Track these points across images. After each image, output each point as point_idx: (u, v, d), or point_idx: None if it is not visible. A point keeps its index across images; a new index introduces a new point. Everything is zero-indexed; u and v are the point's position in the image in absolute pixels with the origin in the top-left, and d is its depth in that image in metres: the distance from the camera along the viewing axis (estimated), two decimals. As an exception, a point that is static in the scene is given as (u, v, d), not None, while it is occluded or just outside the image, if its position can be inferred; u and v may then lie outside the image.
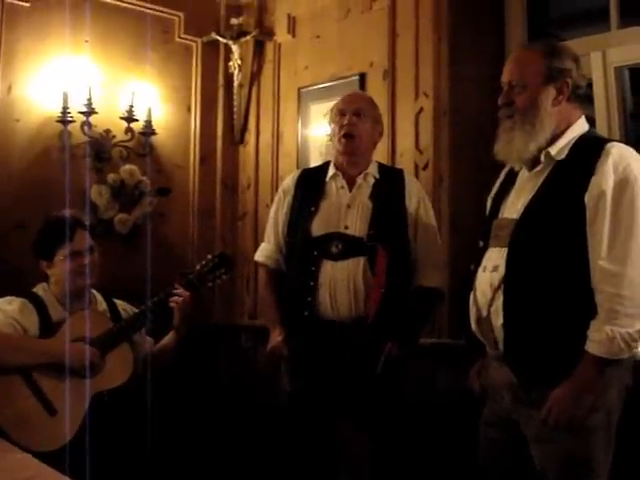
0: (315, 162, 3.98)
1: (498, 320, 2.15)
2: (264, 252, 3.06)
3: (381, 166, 3.01)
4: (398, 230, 2.84)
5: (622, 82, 3.22)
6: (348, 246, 2.78)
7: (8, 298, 2.75)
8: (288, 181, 3.07)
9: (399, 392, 2.83)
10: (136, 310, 2.86)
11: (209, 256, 2.96)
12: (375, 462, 2.84)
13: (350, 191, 2.89)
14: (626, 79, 3.23)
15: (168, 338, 2.96)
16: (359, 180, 2.90)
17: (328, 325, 2.76)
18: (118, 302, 2.96)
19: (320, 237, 2.82)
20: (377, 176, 2.92)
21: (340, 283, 2.75)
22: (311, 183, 2.97)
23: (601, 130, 3.10)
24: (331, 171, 2.94)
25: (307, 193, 2.94)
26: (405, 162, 3.52)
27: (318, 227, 2.84)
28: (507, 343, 2.14)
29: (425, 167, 3.48)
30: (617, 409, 2.11)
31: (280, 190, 3.08)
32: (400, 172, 3.03)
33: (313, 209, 2.87)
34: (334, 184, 2.92)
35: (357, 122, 2.87)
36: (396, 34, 3.67)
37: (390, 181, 2.93)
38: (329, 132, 3.05)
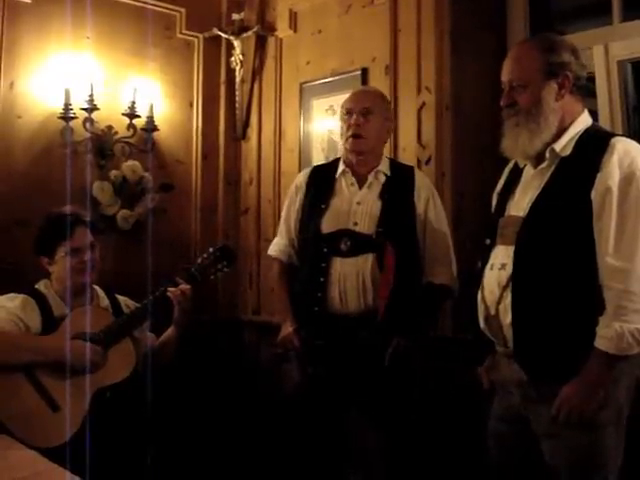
0: (317, 157, 4.00)
1: (507, 318, 2.15)
2: (277, 246, 3.10)
3: (392, 163, 3.03)
4: (406, 228, 2.86)
5: (625, 76, 3.21)
6: (357, 243, 2.80)
7: (10, 295, 2.76)
8: (300, 178, 3.10)
9: (407, 386, 2.84)
10: (138, 305, 2.86)
11: (211, 249, 2.96)
12: (384, 455, 2.85)
13: (360, 188, 2.91)
14: (629, 73, 3.22)
15: (169, 332, 2.97)
16: (370, 178, 2.91)
17: (337, 320, 2.79)
18: (120, 298, 2.97)
19: (330, 234, 2.84)
20: (388, 173, 2.93)
21: (349, 279, 2.78)
22: (322, 180, 2.99)
23: (604, 124, 3.09)
24: (341, 168, 2.96)
25: (318, 190, 2.96)
26: (407, 157, 3.52)
27: (328, 224, 2.86)
28: (516, 341, 2.14)
29: (427, 162, 3.48)
30: (627, 404, 2.11)
31: (292, 186, 3.11)
32: (410, 169, 3.04)
33: (323, 206, 2.90)
34: (344, 181, 2.94)
35: (364, 122, 2.87)
36: (398, 29, 3.65)
37: (400, 179, 2.93)
38: (337, 129, 3.05)
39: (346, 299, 2.78)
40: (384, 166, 2.94)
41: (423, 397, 2.99)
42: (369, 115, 2.88)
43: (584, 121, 2.21)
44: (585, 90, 2.25)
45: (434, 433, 3.17)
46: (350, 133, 2.88)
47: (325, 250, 2.82)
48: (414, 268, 2.86)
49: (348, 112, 2.91)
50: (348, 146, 2.91)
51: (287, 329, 2.93)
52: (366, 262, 2.78)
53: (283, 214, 3.12)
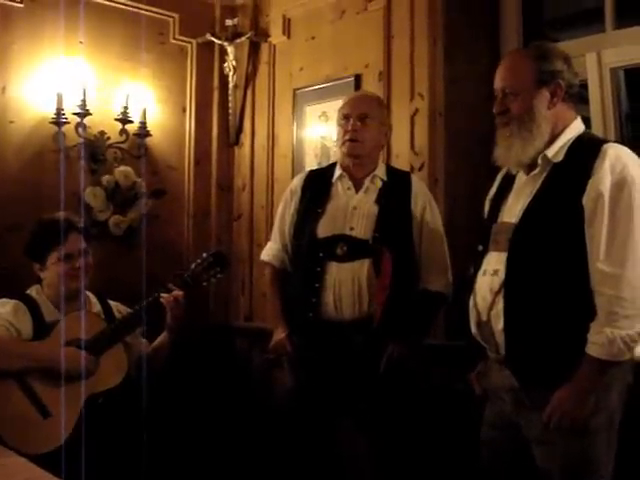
0: (310, 163, 3.99)
1: (499, 324, 2.15)
2: (270, 251, 3.07)
3: (389, 168, 3.02)
4: (403, 233, 2.85)
5: (617, 83, 3.22)
6: (353, 248, 2.78)
7: (2, 300, 2.74)
8: (295, 182, 3.08)
9: (400, 392, 2.83)
10: (130, 311, 2.85)
11: (204, 255, 2.94)
12: (376, 462, 2.85)
13: (357, 193, 2.90)
14: (621, 80, 3.23)
15: (161, 338, 2.96)
16: (366, 182, 2.90)
17: (332, 326, 2.77)
18: (112, 303, 2.96)
19: (326, 239, 2.82)
20: (385, 179, 2.92)
21: (345, 284, 2.76)
22: (318, 184, 2.97)
23: (596, 131, 3.10)
24: (337, 172, 2.94)
25: (314, 194, 2.95)
26: (400, 163, 3.52)
27: (324, 229, 2.85)
28: (508, 347, 2.14)
29: (420, 168, 3.48)
30: (618, 410, 2.11)
31: (287, 190, 3.09)
32: (407, 175, 3.04)
33: (320, 211, 2.88)
34: (340, 185, 2.93)
35: (361, 127, 2.86)
36: (391, 35, 3.66)
37: (397, 184, 2.92)
38: (329, 135, 3.04)
39: (341, 305, 2.76)
40: (380, 171, 2.94)
41: (417, 403, 2.98)
42: (366, 120, 2.87)
43: (576, 128, 2.21)
44: (578, 98, 2.26)
45: (427, 439, 3.17)
46: (347, 137, 2.87)
47: (320, 255, 2.80)
48: (410, 274, 2.85)
49: (345, 117, 2.90)
50: (345, 150, 2.89)
51: (279, 335, 2.91)
52: (362, 267, 2.76)
53: (277, 218, 3.09)
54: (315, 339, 2.80)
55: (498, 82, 2.24)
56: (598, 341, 1.99)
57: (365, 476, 2.88)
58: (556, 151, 2.16)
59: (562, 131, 2.18)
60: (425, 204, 2.90)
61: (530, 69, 2.17)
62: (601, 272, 2.01)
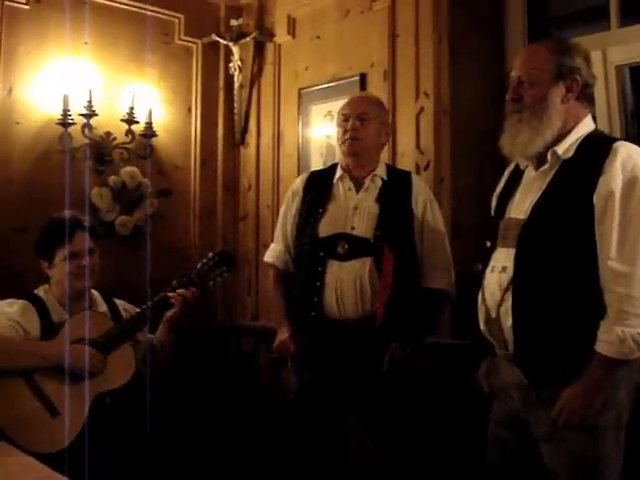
0: (316, 163, 4.00)
1: (507, 321, 2.14)
2: (273, 253, 3.08)
3: (389, 168, 3.02)
4: (404, 232, 2.85)
5: (623, 81, 3.22)
6: (354, 246, 2.79)
7: (9, 300, 2.75)
8: (297, 183, 3.09)
9: (404, 391, 2.83)
10: (137, 310, 2.86)
11: (210, 254, 2.96)
12: (379, 459, 2.85)
13: (357, 192, 2.90)
14: (627, 78, 3.23)
15: (160, 332, 2.93)
16: (367, 182, 2.91)
17: (334, 325, 2.78)
18: (119, 302, 2.96)
19: (327, 238, 2.83)
20: (385, 178, 2.92)
21: (346, 283, 2.76)
22: (319, 185, 2.98)
23: (601, 129, 3.07)
24: (338, 173, 2.95)
25: (315, 195, 2.95)
26: (406, 162, 3.52)
27: (325, 228, 2.85)
28: (517, 344, 2.13)
29: (426, 167, 3.48)
30: (627, 408, 2.11)
31: (289, 192, 3.10)
32: (408, 174, 3.04)
33: (321, 211, 2.89)
34: (341, 186, 2.93)
35: (360, 127, 2.87)
36: (396, 34, 3.67)
37: (397, 183, 2.93)
38: (335, 134, 3.06)
39: (343, 303, 2.76)
40: (381, 170, 2.94)
41: (420, 402, 2.98)
42: (365, 119, 2.88)
43: (587, 125, 2.20)
44: (591, 99, 2.25)
45: (432, 437, 3.17)
46: (347, 136, 2.88)
47: (321, 254, 2.81)
48: (412, 272, 2.85)
49: (345, 118, 2.91)
50: (345, 148, 2.91)
51: (283, 335, 2.92)
52: (364, 266, 2.77)
53: (279, 220, 3.10)
54: (318, 338, 2.81)
55: (516, 69, 2.22)
56: (608, 339, 1.99)
57: (370, 473, 2.88)
58: (566, 148, 2.15)
59: (573, 128, 2.17)
60: (426, 202, 2.90)
61: (550, 61, 2.16)
62: (612, 270, 2.00)
